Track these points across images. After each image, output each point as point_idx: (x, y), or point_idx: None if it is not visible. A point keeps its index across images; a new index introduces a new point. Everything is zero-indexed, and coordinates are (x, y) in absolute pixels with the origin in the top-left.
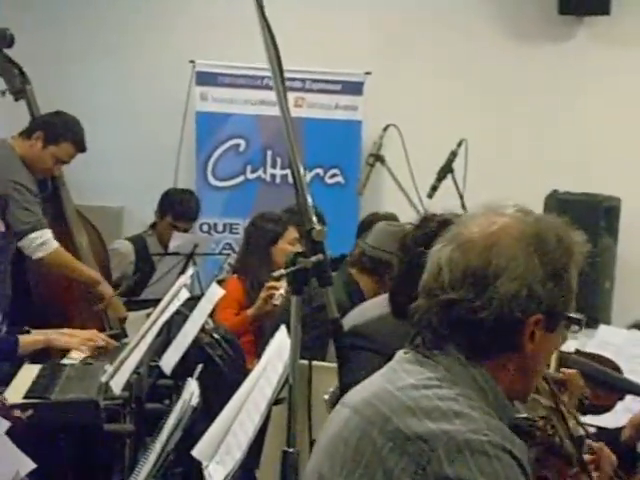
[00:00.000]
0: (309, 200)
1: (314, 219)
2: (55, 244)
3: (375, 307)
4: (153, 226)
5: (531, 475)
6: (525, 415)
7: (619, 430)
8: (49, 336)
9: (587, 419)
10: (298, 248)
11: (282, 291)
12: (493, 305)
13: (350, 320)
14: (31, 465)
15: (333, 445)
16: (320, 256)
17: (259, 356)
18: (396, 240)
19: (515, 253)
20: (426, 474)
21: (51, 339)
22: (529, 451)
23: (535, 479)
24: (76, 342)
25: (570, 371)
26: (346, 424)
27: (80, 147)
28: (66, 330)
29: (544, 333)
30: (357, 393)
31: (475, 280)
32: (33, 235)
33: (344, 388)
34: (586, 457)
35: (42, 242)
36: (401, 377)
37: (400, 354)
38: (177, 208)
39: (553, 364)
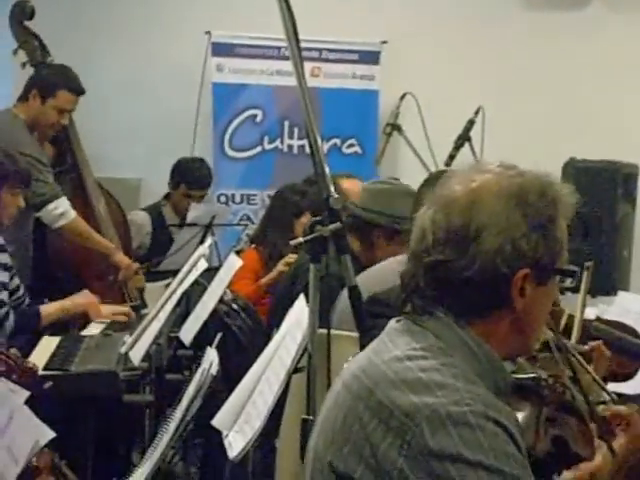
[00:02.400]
0: (327, 169)
1: (331, 187)
2: (73, 213)
3: (389, 274)
4: (167, 197)
5: (527, 437)
6: (532, 374)
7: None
8: (68, 302)
9: (608, 386)
10: None
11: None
12: (478, 262)
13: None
14: (50, 434)
15: (325, 421)
16: (338, 224)
17: (278, 325)
18: (381, 199)
19: (496, 208)
20: (411, 449)
21: (88, 304)
22: (545, 411)
23: (551, 439)
24: (105, 314)
25: (595, 343)
26: (336, 399)
27: (77, 90)
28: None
29: (535, 287)
30: (349, 367)
31: (458, 239)
32: (51, 206)
33: None
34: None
35: (61, 212)
36: (388, 349)
37: (392, 323)
38: (189, 177)
39: (575, 333)
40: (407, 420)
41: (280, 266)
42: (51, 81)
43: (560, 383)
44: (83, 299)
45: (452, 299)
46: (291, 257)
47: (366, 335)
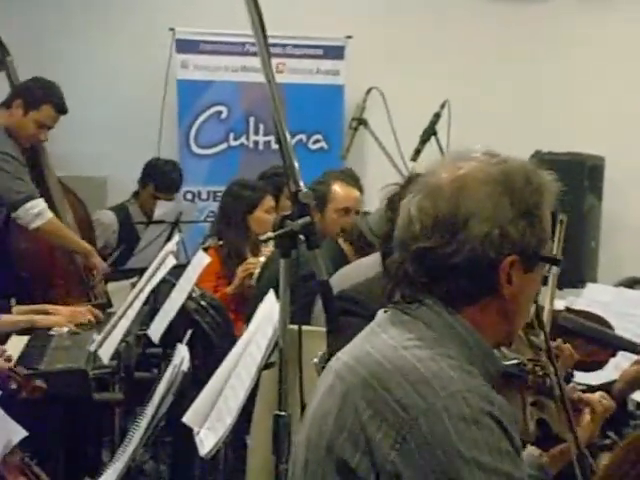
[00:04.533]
0: (295, 163)
1: (301, 182)
2: (50, 214)
3: (363, 269)
4: (135, 195)
5: (518, 424)
6: (515, 361)
7: (609, 386)
8: (33, 317)
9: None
10: (274, 216)
11: (257, 271)
12: (466, 248)
13: (334, 283)
14: (22, 433)
15: (320, 411)
16: (307, 218)
17: (247, 322)
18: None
19: (483, 195)
20: (407, 443)
21: (35, 320)
22: (527, 395)
23: (535, 423)
24: (62, 320)
25: (563, 346)
26: (330, 390)
27: (61, 109)
28: (49, 307)
29: (522, 274)
30: (341, 357)
31: (446, 226)
32: (28, 205)
33: (332, 353)
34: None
35: (38, 212)
36: (381, 338)
37: (381, 314)
38: (159, 179)
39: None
40: (404, 414)
41: (240, 272)
42: (38, 94)
43: (540, 367)
44: (24, 317)
45: (440, 286)
46: (250, 262)
47: (331, 331)
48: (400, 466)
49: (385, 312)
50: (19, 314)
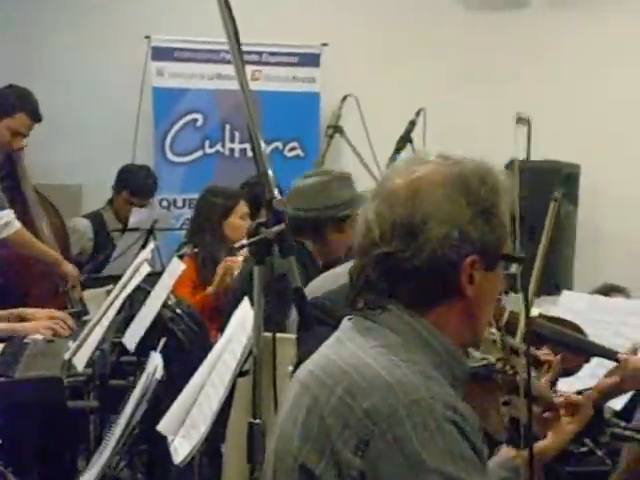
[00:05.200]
0: (269, 171)
1: (275, 189)
2: (18, 224)
3: (336, 277)
4: (110, 202)
5: (491, 424)
6: (482, 362)
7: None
8: (12, 325)
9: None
10: (249, 223)
11: (236, 272)
12: (426, 251)
13: (311, 290)
14: None
15: (287, 421)
16: (282, 226)
17: (222, 330)
18: (316, 193)
19: (439, 197)
20: (369, 449)
21: (14, 329)
22: (499, 395)
23: (509, 421)
24: (39, 327)
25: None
26: (296, 400)
27: (34, 116)
28: (28, 310)
29: (484, 273)
30: (306, 366)
31: (404, 230)
32: None
33: (300, 362)
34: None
35: (6, 222)
36: (346, 346)
37: (345, 322)
38: (134, 185)
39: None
40: (367, 420)
41: (220, 270)
42: (12, 101)
43: (509, 366)
44: (2, 325)
45: (403, 291)
46: (229, 260)
47: (307, 329)
48: (365, 471)
49: (349, 320)
50: None
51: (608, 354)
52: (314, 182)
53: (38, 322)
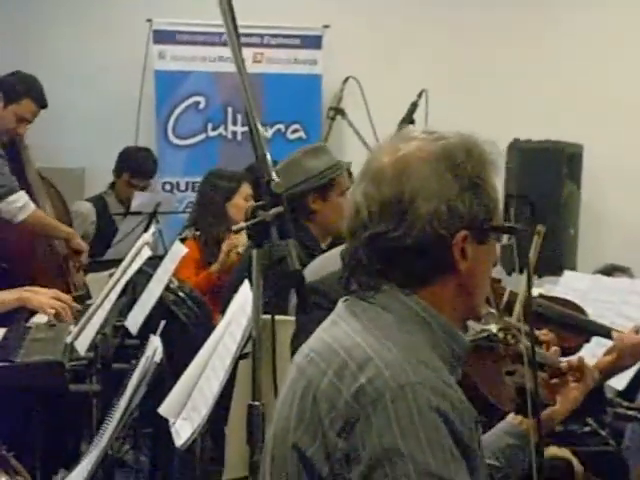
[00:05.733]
0: (267, 153)
1: (273, 172)
2: (33, 205)
3: (333, 260)
4: (112, 186)
5: (496, 395)
6: (483, 333)
7: None
8: (22, 295)
9: None
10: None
11: (240, 249)
12: (416, 229)
13: (309, 273)
14: None
15: (284, 405)
16: (280, 208)
17: (223, 312)
18: (294, 168)
19: (426, 173)
20: (353, 432)
21: (24, 298)
22: (503, 365)
23: (515, 390)
24: (47, 303)
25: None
26: (293, 384)
27: (41, 102)
28: (33, 288)
29: (476, 247)
30: (303, 350)
31: (393, 209)
32: (12, 198)
33: (298, 346)
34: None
35: (22, 205)
36: (341, 328)
37: (340, 304)
38: (134, 166)
39: (517, 309)
40: (354, 403)
41: (225, 248)
42: (18, 88)
43: (511, 335)
44: (12, 295)
45: (396, 270)
46: (232, 238)
47: (304, 311)
48: (348, 454)
49: (344, 302)
50: None
51: (602, 331)
52: (289, 160)
53: (45, 296)
